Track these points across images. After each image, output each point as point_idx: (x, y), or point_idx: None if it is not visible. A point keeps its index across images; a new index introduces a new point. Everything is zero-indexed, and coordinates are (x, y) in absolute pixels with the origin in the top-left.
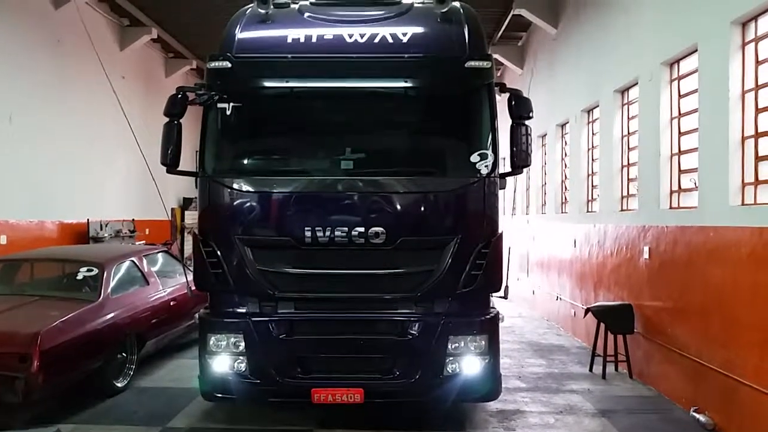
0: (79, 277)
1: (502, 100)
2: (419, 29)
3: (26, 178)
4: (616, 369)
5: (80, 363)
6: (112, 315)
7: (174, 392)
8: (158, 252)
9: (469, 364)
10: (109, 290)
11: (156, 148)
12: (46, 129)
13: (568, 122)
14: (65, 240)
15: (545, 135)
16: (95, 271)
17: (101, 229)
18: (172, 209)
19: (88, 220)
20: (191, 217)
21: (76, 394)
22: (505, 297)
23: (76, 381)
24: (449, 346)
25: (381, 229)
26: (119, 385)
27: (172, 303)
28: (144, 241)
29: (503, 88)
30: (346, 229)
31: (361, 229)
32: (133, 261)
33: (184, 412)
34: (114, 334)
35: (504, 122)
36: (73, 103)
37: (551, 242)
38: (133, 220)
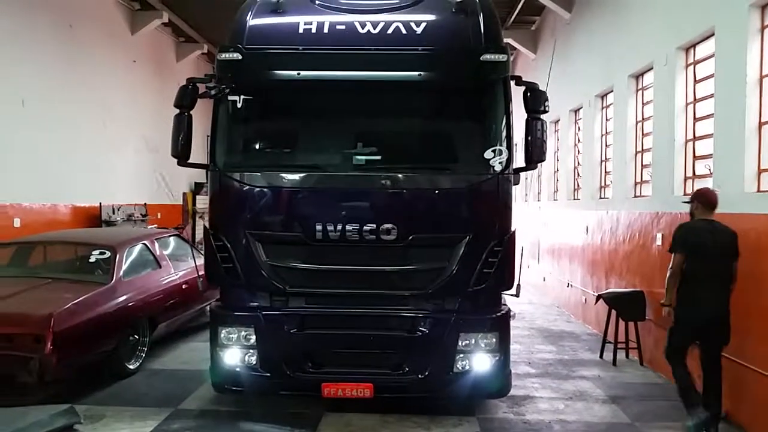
0: (92, 259)
1: (517, 92)
2: (433, 20)
3: (39, 161)
4: (627, 356)
5: (93, 345)
6: (124, 297)
7: (185, 375)
8: (170, 236)
9: (479, 362)
10: (122, 273)
11: (167, 134)
12: (59, 113)
13: (581, 107)
14: (78, 223)
15: (558, 120)
16: (108, 254)
17: (113, 212)
18: (184, 194)
19: (100, 203)
20: (203, 202)
21: (89, 375)
22: (517, 295)
23: (89, 362)
24: (460, 343)
25: (392, 225)
26: (131, 367)
27: (183, 286)
28: (156, 225)
29: (519, 81)
30: (357, 225)
31: (372, 226)
32: (145, 244)
33: (195, 395)
34: (126, 317)
35: (519, 116)
36: (86, 87)
37: (563, 229)
38: (145, 204)
